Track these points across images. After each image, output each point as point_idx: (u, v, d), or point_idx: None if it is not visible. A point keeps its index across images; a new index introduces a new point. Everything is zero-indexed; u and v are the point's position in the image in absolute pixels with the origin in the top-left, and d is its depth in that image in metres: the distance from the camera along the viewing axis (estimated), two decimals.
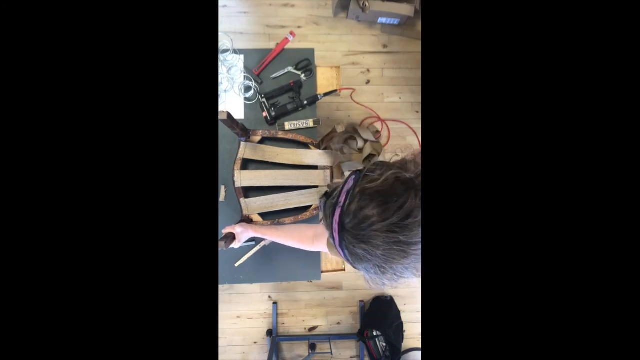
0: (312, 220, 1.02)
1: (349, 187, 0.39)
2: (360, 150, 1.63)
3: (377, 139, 1.64)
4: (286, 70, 1.03)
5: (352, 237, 0.38)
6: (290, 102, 1.01)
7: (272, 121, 1.01)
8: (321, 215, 0.46)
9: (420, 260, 0.37)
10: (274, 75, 1.03)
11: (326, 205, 0.42)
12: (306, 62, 1.04)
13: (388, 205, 0.36)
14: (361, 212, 0.37)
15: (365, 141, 1.62)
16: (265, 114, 1.00)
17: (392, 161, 0.43)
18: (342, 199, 0.39)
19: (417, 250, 0.36)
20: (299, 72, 1.03)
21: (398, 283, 0.41)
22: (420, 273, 0.38)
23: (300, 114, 1.03)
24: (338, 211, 0.39)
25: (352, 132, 1.61)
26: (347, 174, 1.59)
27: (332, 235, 0.41)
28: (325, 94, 1.06)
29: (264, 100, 1.00)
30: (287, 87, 1.01)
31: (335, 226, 0.39)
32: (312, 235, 0.75)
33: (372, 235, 0.36)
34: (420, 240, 0.35)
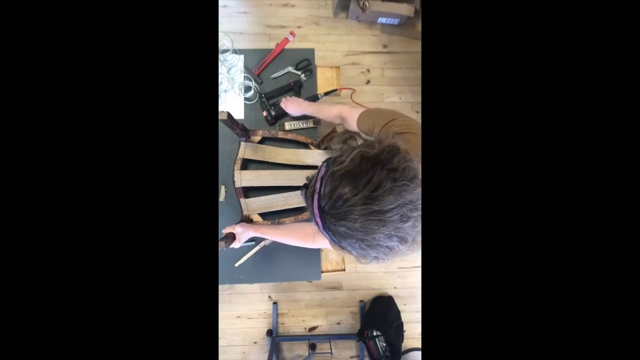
0: (312, 220, 1.02)
1: (322, 174, 0.42)
2: None
3: None
4: (286, 70, 1.03)
5: (331, 217, 0.41)
6: None
7: (273, 121, 1.01)
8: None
9: (401, 228, 0.39)
10: (274, 75, 1.03)
11: (306, 195, 0.45)
12: (306, 62, 1.04)
13: (357, 181, 0.39)
14: (335, 192, 0.40)
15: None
16: (265, 113, 1.00)
17: (358, 143, 0.46)
18: (317, 185, 0.42)
19: (394, 216, 0.38)
20: (299, 72, 1.03)
21: (388, 256, 0.43)
22: (407, 242, 0.40)
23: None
24: (316, 197, 0.42)
25: (347, 134, 1.61)
26: None
27: (315, 222, 0.44)
28: (326, 94, 1.06)
29: (264, 99, 1.00)
30: (287, 86, 1.01)
31: (316, 211, 0.42)
32: (312, 232, 0.77)
33: (348, 211, 0.39)
34: (394, 206, 0.38)
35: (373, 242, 0.40)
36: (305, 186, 0.47)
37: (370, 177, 0.38)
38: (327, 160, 0.45)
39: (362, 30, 1.67)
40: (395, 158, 0.40)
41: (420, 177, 0.40)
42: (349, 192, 0.39)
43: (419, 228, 0.40)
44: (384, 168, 0.39)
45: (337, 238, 0.42)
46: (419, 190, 0.39)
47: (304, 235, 0.79)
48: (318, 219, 0.43)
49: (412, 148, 0.49)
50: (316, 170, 0.46)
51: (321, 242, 0.76)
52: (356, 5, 1.55)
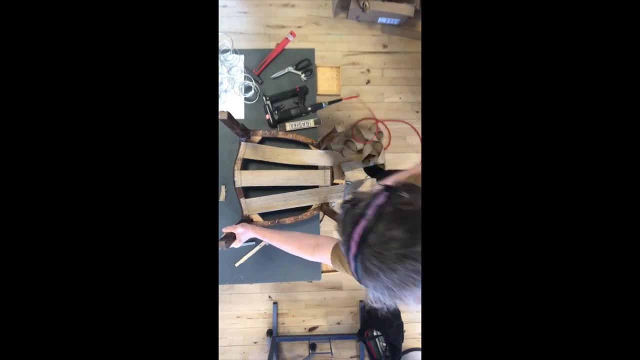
0: (312, 220, 1.02)
1: (380, 203, 0.38)
2: (360, 151, 1.63)
3: (377, 139, 1.64)
4: (286, 70, 1.03)
5: (370, 254, 0.37)
6: (294, 107, 1.01)
7: (275, 124, 1.01)
8: (335, 224, 0.42)
9: None
10: (274, 75, 1.03)
11: (348, 213, 0.41)
12: (306, 62, 1.04)
13: (418, 232, 0.35)
14: (389, 232, 0.36)
15: (366, 141, 1.63)
16: (268, 116, 1.00)
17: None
18: (369, 212, 0.38)
19: None
20: (299, 72, 1.03)
21: (396, 305, 0.40)
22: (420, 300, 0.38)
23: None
24: (363, 223, 0.38)
25: (345, 137, 1.62)
26: (348, 174, 1.59)
27: (346, 245, 0.40)
28: (330, 102, 1.07)
29: (268, 102, 1.00)
30: (292, 91, 1.01)
31: (356, 237, 0.38)
32: (313, 244, 0.74)
33: (393, 259, 0.35)
34: None
35: (397, 295, 0.37)
36: (351, 201, 0.42)
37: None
38: (388, 189, 0.40)
39: (362, 30, 1.67)
40: None
41: None
42: (404, 241, 0.35)
43: None
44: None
45: (364, 273, 0.38)
46: None
47: (304, 246, 0.76)
48: (354, 246, 0.38)
49: None
50: (366, 188, 0.41)
51: (321, 256, 0.72)
52: (356, 5, 1.55)
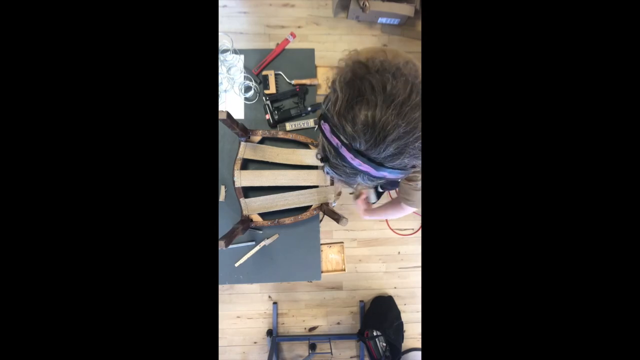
0: (312, 220, 1.02)
1: (327, 129, 0.38)
2: None
3: None
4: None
5: (374, 146, 0.36)
6: (294, 107, 1.01)
7: (274, 124, 1.01)
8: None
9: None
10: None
11: (331, 164, 0.41)
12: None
13: (364, 97, 0.35)
14: (356, 123, 0.35)
15: None
16: (268, 116, 1.00)
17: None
18: (334, 141, 0.38)
19: (413, 95, 0.35)
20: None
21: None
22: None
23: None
24: (343, 150, 0.37)
25: None
26: None
27: (366, 177, 0.39)
28: None
29: (268, 102, 1.00)
30: (292, 92, 1.01)
31: (356, 162, 0.38)
32: (399, 208, 0.85)
33: (383, 126, 0.35)
34: (408, 88, 0.35)
35: (416, 138, 0.36)
36: (324, 159, 0.42)
37: (370, 85, 0.35)
38: (320, 118, 0.41)
39: (362, 30, 1.67)
40: (376, 61, 0.37)
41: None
42: (369, 111, 0.35)
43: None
44: (373, 73, 0.36)
45: (396, 161, 0.37)
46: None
47: (398, 212, 0.89)
48: (366, 168, 0.37)
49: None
50: (320, 143, 0.42)
51: (405, 210, 0.84)
52: (356, 5, 1.55)
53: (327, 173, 0.44)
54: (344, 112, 0.36)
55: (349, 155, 0.38)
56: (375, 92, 0.35)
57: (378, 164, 0.37)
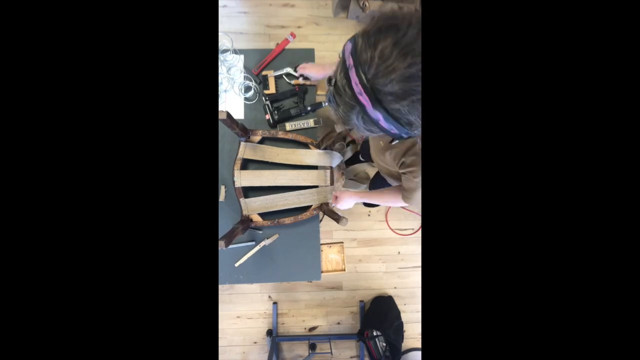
0: (312, 220, 1.02)
1: (349, 48, 0.38)
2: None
3: None
4: (285, 71, 1.03)
5: (381, 77, 0.36)
6: (294, 106, 1.01)
7: (274, 124, 1.01)
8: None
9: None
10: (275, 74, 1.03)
11: (337, 86, 0.40)
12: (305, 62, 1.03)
13: (397, 27, 0.35)
14: (376, 48, 0.35)
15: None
16: (268, 116, 1.00)
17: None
18: (349, 61, 0.38)
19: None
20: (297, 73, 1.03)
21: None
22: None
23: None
24: (352, 73, 0.37)
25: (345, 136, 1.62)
26: (346, 174, 1.59)
27: (362, 110, 0.39)
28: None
29: (268, 102, 1.00)
30: (291, 91, 1.01)
31: (360, 89, 0.37)
32: (399, 196, 0.86)
33: (398, 58, 0.35)
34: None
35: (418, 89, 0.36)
36: (330, 80, 0.42)
37: (408, 22, 0.35)
38: (350, 43, 0.40)
39: None
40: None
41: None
42: (395, 39, 0.35)
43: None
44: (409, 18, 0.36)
45: (396, 104, 0.37)
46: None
47: (395, 200, 0.88)
48: (365, 99, 0.37)
49: None
50: (337, 63, 0.41)
51: (403, 202, 0.85)
52: (356, 5, 1.55)
53: (329, 101, 0.44)
54: (371, 35, 0.37)
55: (354, 79, 0.37)
56: (410, 28, 0.35)
57: (377, 100, 0.37)
